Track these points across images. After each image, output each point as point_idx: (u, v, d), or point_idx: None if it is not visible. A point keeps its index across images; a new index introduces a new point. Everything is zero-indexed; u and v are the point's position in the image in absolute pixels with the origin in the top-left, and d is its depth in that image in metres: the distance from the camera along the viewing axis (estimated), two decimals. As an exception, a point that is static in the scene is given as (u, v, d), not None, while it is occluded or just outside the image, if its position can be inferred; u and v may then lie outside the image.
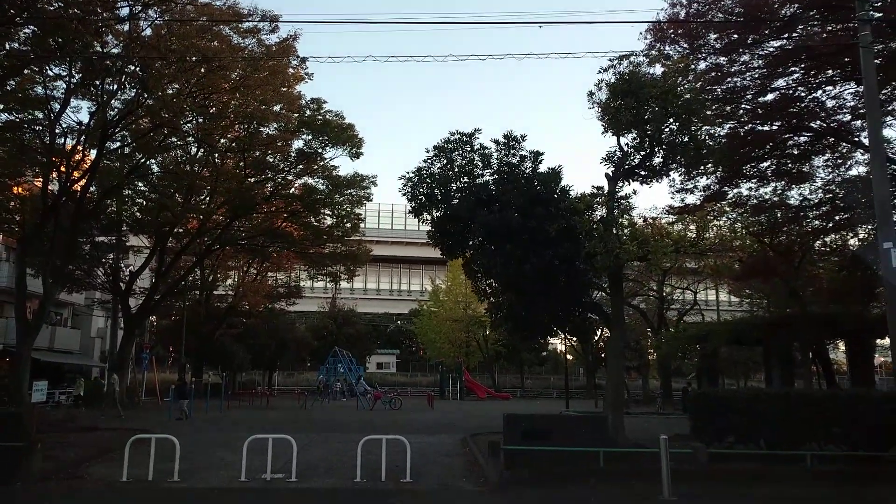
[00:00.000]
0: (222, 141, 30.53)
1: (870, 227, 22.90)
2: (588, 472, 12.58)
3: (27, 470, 12.53)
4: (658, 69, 18.71)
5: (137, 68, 22.12)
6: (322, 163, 33.86)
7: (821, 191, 23.82)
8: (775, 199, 24.92)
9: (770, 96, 20.05)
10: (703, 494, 11.28)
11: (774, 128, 20.58)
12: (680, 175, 17.57)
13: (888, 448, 11.86)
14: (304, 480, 12.63)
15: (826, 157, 22.32)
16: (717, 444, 13.69)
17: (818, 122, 20.35)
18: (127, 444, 12.91)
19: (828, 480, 12.22)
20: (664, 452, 11.01)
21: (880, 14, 14.02)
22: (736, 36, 17.74)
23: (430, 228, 17.77)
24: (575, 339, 34.67)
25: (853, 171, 22.63)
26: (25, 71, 20.99)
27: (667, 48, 19.82)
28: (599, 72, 15.53)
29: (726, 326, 26.33)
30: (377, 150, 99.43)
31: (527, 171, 16.73)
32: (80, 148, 25.70)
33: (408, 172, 17.47)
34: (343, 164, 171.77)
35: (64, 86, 22.99)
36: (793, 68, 17.74)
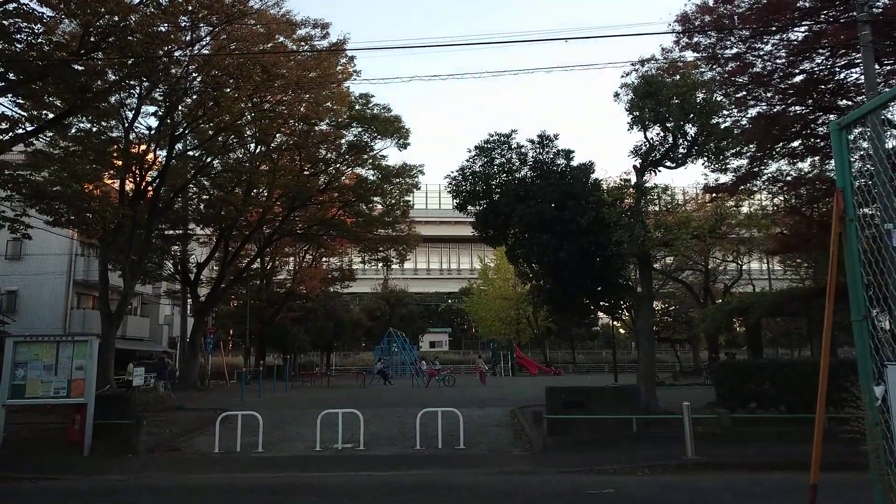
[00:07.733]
0: (279, 138, 32.39)
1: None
2: (622, 437, 14.06)
3: (136, 443, 14.56)
4: (690, 55, 19.83)
5: (205, 81, 23.97)
6: (372, 153, 35.51)
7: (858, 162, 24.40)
8: (814, 173, 25.54)
9: (798, 78, 20.85)
10: (722, 453, 12.64)
11: (803, 109, 21.34)
12: (706, 161, 18.60)
13: None
14: (370, 449, 14.37)
15: (858, 133, 22.94)
16: (740, 410, 14.99)
17: (846, 101, 21.05)
18: (217, 420, 14.89)
19: (841, 440, 13.42)
20: (687, 417, 12.44)
21: (880, 14, 14.81)
22: (761, 26, 18.63)
23: (474, 220, 19.21)
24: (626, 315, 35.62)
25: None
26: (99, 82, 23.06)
27: (696, 38, 20.88)
28: (622, 76, 16.84)
29: (766, 298, 26.96)
30: (424, 139, 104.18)
31: (560, 167, 18.02)
32: (150, 151, 27.80)
33: (452, 171, 18.95)
34: (391, 154, 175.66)
35: (135, 93, 25.00)
36: (814, 55, 18.57)
